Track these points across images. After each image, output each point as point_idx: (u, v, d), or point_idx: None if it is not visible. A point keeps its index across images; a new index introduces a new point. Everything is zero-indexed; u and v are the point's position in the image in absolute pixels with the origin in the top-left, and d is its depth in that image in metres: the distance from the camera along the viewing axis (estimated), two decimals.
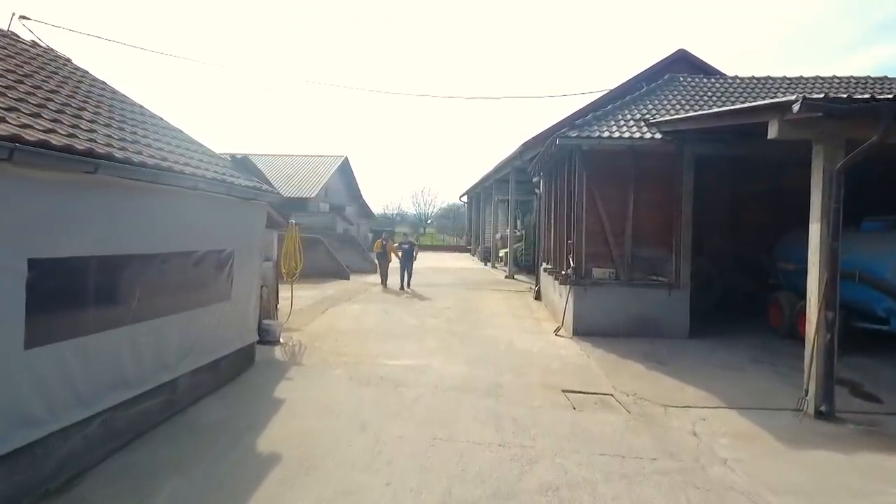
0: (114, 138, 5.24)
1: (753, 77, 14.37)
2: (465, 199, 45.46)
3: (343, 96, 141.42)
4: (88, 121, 5.44)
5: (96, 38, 45.01)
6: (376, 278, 21.60)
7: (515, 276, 23.42)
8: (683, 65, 16.76)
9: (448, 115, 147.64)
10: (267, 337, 9.58)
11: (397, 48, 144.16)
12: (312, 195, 32.28)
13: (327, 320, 12.06)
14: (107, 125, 5.65)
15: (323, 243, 21.27)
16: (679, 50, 17.08)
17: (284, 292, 11.90)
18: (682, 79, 14.22)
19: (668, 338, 11.07)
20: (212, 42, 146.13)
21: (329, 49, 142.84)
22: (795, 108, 6.07)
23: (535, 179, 17.71)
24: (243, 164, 8.09)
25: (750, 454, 5.71)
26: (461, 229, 65.82)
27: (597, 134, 11.16)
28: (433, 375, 8.06)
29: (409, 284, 18.19)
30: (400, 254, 18.62)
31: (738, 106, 7.58)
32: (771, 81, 14.14)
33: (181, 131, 8.03)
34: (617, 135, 11.15)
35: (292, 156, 37.76)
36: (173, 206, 5.64)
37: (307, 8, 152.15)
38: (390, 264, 19.24)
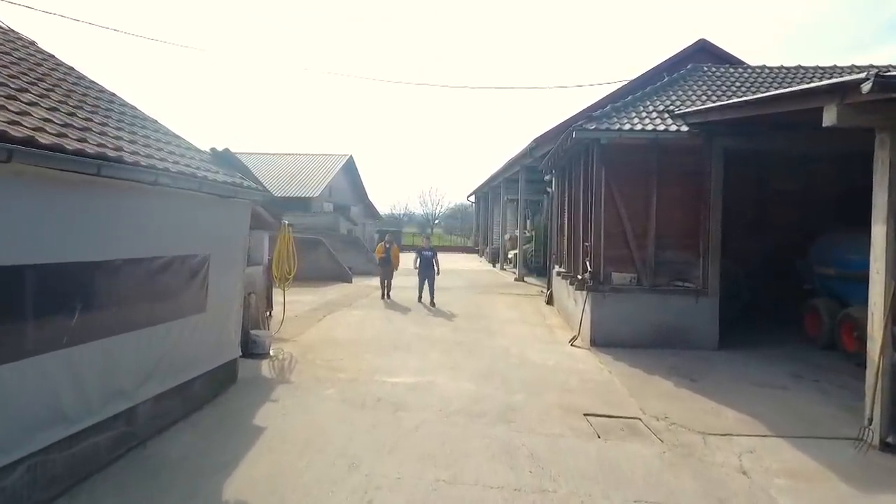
0: (54, 123, 4.38)
1: (783, 66, 13.37)
2: (472, 198, 44.55)
3: (348, 91, 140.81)
4: (27, 103, 4.58)
5: (71, 20, 44.32)
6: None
7: (525, 279, 22.48)
8: (704, 55, 15.77)
9: (456, 112, 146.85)
10: (255, 349, 8.71)
11: (402, 43, 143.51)
12: (316, 195, 31.48)
13: (324, 329, 11.17)
14: (51, 109, 4.79)
15: (324, 244, 20.42)
16: (700, 40, 16.12)
17: (286, 296, 11.00)
18: (705, 68, 13.25)
19: (696, 349, 10.11)
20: (215, 38, 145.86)
21: (333, 43, 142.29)
22: (866, 87, 5.10)
23: (546, 177, 16.79)
24: (224, 157, 7.22)
25: (815, 500, 4.77)
26: (469, 230, 64.93)
27: (617, 126, 10.21)
28: (437, 396, 7.15)
29: (432, 299, 15.02)
30: (418, 263, 15.57)
31: (785, 90, 6.61)
32: (803, 71, 13.14)
33: (156, 122, 7.17)
34: (639, 127, 10.19)
35: (295, 154, 36.98)
36: (127, 204, 4.78)
37: (310, 4, 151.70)
38: (395, 272, 16.53)
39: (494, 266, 29.78)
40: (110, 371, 4.63)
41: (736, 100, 8.45)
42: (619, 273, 10.56)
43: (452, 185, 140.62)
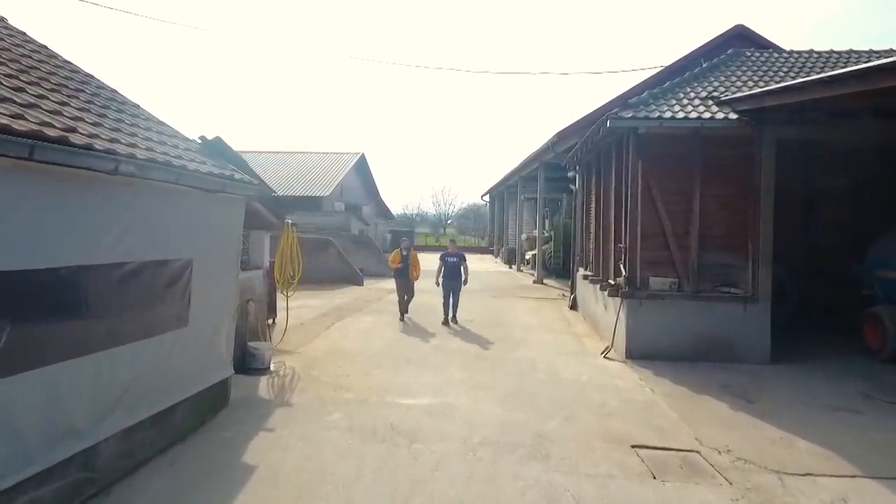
0: None
1: (833, 50, 12.23)
2: (487, 198, 43.52)
3: (359, 87, 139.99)
4: None
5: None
6: (392, 283, 19.75)
7: (544, 281, 21.45)
8: (741, 42, 14.65)
9: (469, 111, 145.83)
10: (254, 363, 7.79)
11: (416, 33, 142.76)
12: (327, 194, 30.65)
13: (331, 339, 10.22)
14: None
15: (334, 245, 19.51)
16: (737, 25, 15.02)
17: (292, 301, 10.02)
18: (748, 53, 12.14)
19: (744, 363, 9.06)
20: (218, 31, 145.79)
21: (344, 34, 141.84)
22: None
23: (570, 174, 15.73)
24: (215, 147, 6.30)
25: None
26: (482, 230, 63.89)
27: (656, 114, 9.16)
28: (459, 423, 6.16)
29: (455, 316, 12.22)
30: (441, 272, 12.40)
31: (874, 64, 5.53)
32: (855, 55, 11.99)
33: (137, 107, 6.27)
34: (681, 115, 9.14)
35: (306, 153, 36.17)
36: (80, 198, 3.85)
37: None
38: (413, 284, 12.74)
39: (511, 267, 28.76)
40: (56, 406, 3.71)
41: (798, 80, 7.38)
42: (658, 277, 9.51)
43: (465, 185, 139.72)
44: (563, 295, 17.48)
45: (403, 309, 12.56)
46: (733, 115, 9.02)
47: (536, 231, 25.79)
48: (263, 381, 7.32)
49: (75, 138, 3.65)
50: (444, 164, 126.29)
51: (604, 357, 9.60)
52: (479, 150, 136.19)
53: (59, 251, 3.70)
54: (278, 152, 36.34)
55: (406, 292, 12.55)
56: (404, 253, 12.61)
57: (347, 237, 23.60)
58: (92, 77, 6.37)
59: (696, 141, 9.34)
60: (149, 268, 4.57)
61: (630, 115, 9.14)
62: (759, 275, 9.29)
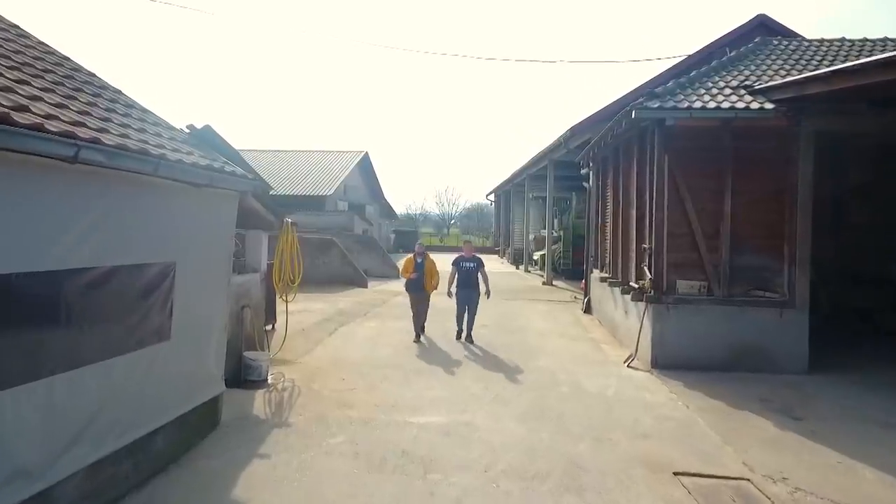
0: None
1: (867, 38, 11.51)
2: (492, 197, 42.79)
3: (364, 81, 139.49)
4: None
5: None
6: (398, 285, 19.07)
7: (554, 283, 20.76)
8: (763, 31, 13.89)
9: (472, 110, 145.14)
10: (250, 375, 7.12)
11: (420, 21, 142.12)
12: (329, 193, 30.01)
13: (334, 346, 9.55)
14: None
15: (337, 246, 18.84)
16: (759, 15, 14.29)
17: (294, 305, 9.34)
18: (775, 42, 11.43)
19: (780, 373, 8.36)
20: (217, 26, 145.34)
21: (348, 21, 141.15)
22: None
23: (583, 171, 15.03)
24: (205, 137, 5.64)
25: None
26: (485, 230, 63.20)
27: (686, 104, 8.46)
28: (478, 446, 5.47)
29: (470, 333, 10.31)
30: (454, 281, 10.31)
31: None
32: (892, 42, 11.27)
33: (119, 92, 5.62)
34: (712, 105, 8.44)
35: (309, 151, 35.55)
36: (26, 191, 3.18)
37: None
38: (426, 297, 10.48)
39: (518, 268, 28.08)
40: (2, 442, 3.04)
41: (851, 63, 6.66)
42: (686, 281, 8.82)
43: (469, 185, 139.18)
44: (576, 297, 16.81)
45: (419, 327, 10.36)
46: (769, 105, 8.32)
47: (544, 231, 25.13)
48: (259, 396, 6.64)
49: (22, 117, 2.98)
50: (447, 163, 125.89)
51: (627, 366, 8.92)
52: (483, 149, 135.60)
53: (4, 256, 3.04)
54: (280, 151, 35.74)
55: (421, 308, 10.37)
56: (419, 260, 10.36)
57: (351, 237, 22.93)
58: (68, 59, 5.72)
59: (728, 133, 8.66)
60: (120, 274, 3.90)
61: (657, 106, 8.45)
62: (796, 278, 8.60)
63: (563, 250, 23.24)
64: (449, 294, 10.37)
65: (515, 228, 31.84)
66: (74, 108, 3.98)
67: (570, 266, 22.80)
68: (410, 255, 10.58)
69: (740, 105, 8.39)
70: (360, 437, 5.51)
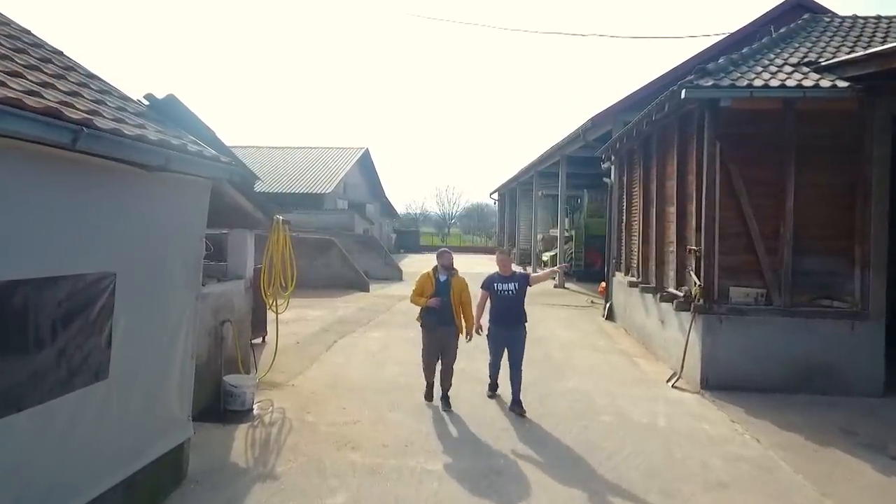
0: None
1: None
2: (496, 196, 41.54)
3: (364, 77, 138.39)
4: None
5: None
6: (401, 288, 17.84)
7: (566, 285, 19.55)
8: (801, 11, 12.72)
9: (475, 107, 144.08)
10: (231, 404, 5.91)
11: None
12: (328, 191, 28.84)
13: (332, 364, 8.31)
14: None
15: (336, 246, 17.63)
16: None
17: (288, 313, 8.13)
18: (826, 18, 10.23)
19: (851, 395, 7.19)
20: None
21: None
22: None
23: (605, 166, 13.83)
24: (169, 108, 4.43)
25: None
26: (486, 230, 61.89)
27: (744, 83, 7.26)
28: None
29: (518, 398, 6.39)
30: (489, 308, 6.63)
31: None
32: None
33: (61, 53, 4.41)
34: (775, 83, 7.24)
35: (307, 148, 34.33)
36: None
37: None
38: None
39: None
40: None
41: None
42: (740, 288, 7.64)
43: (468, 184, 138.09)
44: (592, 302, 15.62)
45: (445, 385, 6.50)
46: (843, 83, 7.12)
47: (553, 231, 23.96)
48: (241, 433, 5.40)
49: None
50: (447, 162, 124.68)
51: (672, 386, 7.72)
52: (484, 149, 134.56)
53: None
54: (277, 147, 34.53)
55: (443, 353, 6.44)
56: (442, 277, 6.42)
57: (351, 237, 21.73)
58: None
59: (790, 117, 7.46)
60: (20, 292, 2.68)
61: (710, 84, 7.24)
62: (870, 284, 7.40)
63: (575, 251, 22.06)
64: (477, 331, 6.61)
65: (522, 228, 30.65)
66: None
67: (582, 268, 21.64)
68: (427, 271, 6.56)
69: (808, 83, 7.19)
70: (366, 496, 4.29)
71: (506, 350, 6.54)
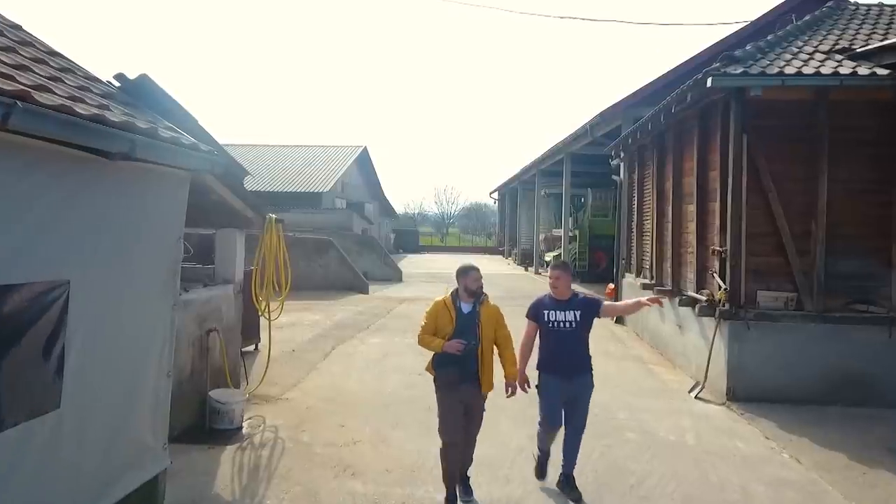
0: None
1: None
2: (496, 195, 41.04)
3: (363, 74, 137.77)
4: None
5: None
6: (401, 289, 17.31)
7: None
8: (814, 5, 12.25)
9: (475, 106, 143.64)
10: (218, 423, 5.35)
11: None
12: (326, 190, 28.29)
13: (330, 374, 7.74)
14: None
15: (335, 247, 17.07)
16: None
17: (284, 317, 7.58)
18: (852, 6, 9.69)
19: (891, 406, 6.66)
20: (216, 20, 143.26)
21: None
22: None
23: (614, 163, 13.31)
24: (140, 90, 3.88)
25: None
26: (484, 230, 61.28)
27: (776, 70, 6.73)
28: None
29: (571, 472, 4.45)
30: (540, 349, 4.49)
31: None
32: None
33: (19, 27, 3.85)
34: (809, 71, 6.71)
35: (304, 146, 33.75)
36: None
37: None
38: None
39: (527, 270, 26.38)
40: None
41: None
42: (769, 291, 7.13)
43: (468, 184, 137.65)
44: None
45: (463, 470, 4.38)
46: (882, 71, 6.59)
47: (556, 230, 23.45)
48: (227, 457, 4.84)
49: None
50: (446, 162, 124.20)
51: (696, 397, 7.19)
52: (483, 148, 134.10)
53: None
54: (273, 146, 33.97)
55: (473, 422, 4.30)
56: (465, 308, 4.18)
57: (349, 237, 21.17)
58: None
59: (823, 108, 6.96)
60: None
61: (740, 72, 6.70)
62: None
63: (579, 251, 21.55)
64: (525, 386, 4.51)
65: (523, 228, 30.15)
66: None
67: (586, 268, 21.15)
68: (442, 298, 4.27)
69: (844, 70, 6.67)
70: None
71: (563, 410, 4.42)
